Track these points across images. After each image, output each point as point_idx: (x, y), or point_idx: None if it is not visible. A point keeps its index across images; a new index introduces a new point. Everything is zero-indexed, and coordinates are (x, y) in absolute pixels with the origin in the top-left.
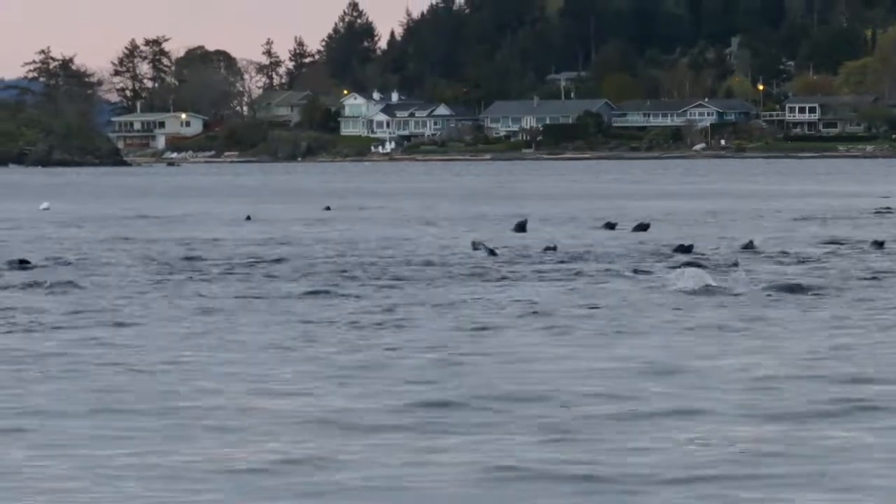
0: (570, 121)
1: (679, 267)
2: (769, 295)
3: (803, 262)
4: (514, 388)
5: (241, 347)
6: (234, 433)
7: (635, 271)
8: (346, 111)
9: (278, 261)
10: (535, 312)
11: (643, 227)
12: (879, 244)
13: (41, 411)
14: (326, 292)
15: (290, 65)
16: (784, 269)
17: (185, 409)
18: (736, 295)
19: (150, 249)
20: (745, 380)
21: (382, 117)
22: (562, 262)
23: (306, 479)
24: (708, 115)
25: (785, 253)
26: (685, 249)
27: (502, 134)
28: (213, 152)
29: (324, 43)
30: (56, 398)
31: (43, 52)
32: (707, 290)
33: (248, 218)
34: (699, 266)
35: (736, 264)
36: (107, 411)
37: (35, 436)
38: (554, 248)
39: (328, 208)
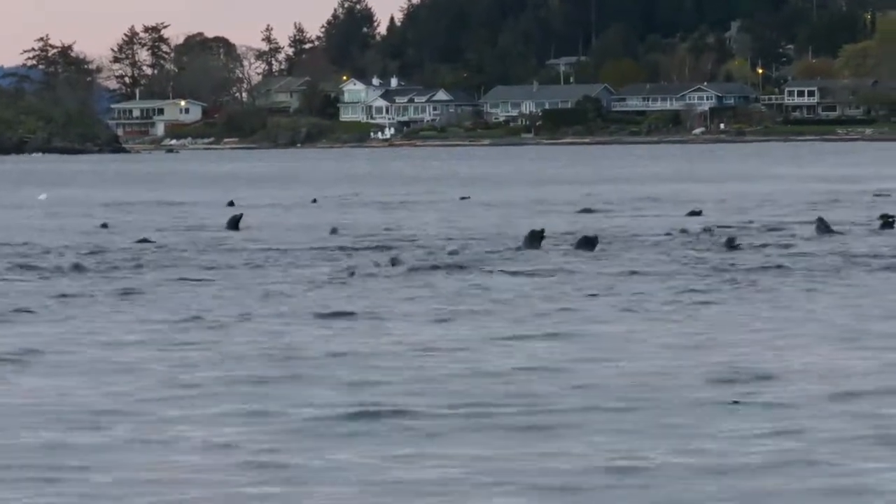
0: (570, 106)
1: None
2: None
3: None
4: None
5: None
6: None
7: None
8: (346, 97)
9: None
10: None
11: None
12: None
13: None
14: None
15: (290, 51)
16: None
17: None
18: None
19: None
20: None
21: (382, 103)
22: None
23: None
24: (707, 99)
25: None
26: None
27: (502, 119)
28: (212, 139)
29: (323, 29)
30: None
31: (42, 39)
32: None
33: None
34: None
35: None
36: None
37: None
38: None
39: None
